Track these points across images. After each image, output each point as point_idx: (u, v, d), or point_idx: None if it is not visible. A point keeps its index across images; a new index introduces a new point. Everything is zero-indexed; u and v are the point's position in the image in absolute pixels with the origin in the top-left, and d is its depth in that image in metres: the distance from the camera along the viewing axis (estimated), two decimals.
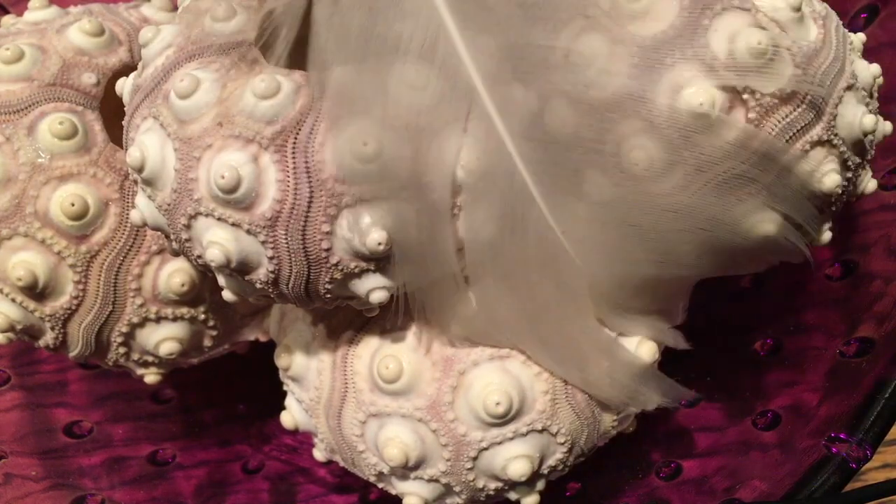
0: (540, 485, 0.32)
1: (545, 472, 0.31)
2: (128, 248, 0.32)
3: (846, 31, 0.30)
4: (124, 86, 0.30)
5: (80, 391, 0.39)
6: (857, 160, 0.30)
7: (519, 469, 0.30)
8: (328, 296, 0.28)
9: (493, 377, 0.29)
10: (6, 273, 0.31)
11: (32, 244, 0.31)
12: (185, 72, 0.27)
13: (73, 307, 0.32)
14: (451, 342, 0.30)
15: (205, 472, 0.39)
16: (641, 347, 0.31)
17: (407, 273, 0.28)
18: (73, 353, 0.34)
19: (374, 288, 0.28)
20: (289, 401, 0.34)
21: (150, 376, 0.35)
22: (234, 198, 0.26)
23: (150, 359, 0.34)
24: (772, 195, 0.28)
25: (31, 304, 0.32)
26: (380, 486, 0.33)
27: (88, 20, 0.34)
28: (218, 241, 0.27)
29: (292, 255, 0.27)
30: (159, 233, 0.31)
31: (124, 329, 0.33)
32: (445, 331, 0.30)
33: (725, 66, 0.27)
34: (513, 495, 0.32)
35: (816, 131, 0.28)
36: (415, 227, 0.27)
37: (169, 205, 0.28)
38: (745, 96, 0.27)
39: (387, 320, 0.31)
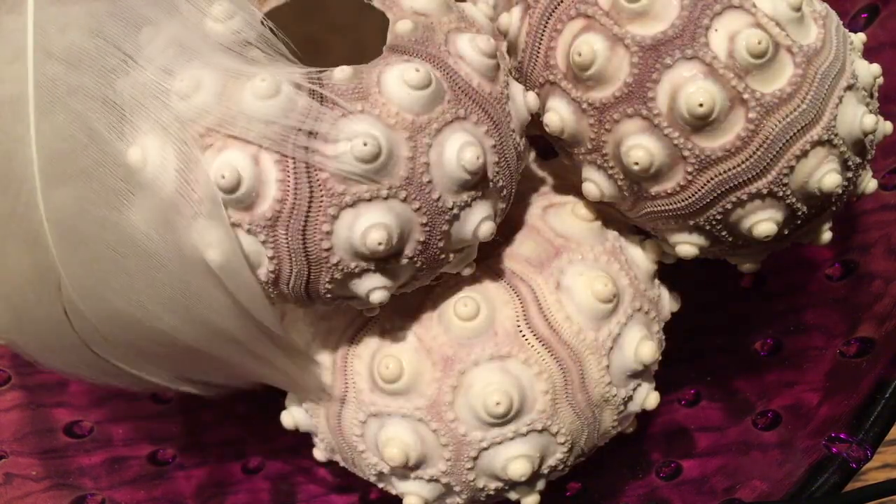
0: (540, 485, 0.32)
1: (545, 472, 0.31)
2: None
3: (846, 30, 0.30)
4: None
5: (80, 391, 0.39)
6: (858, 160, 0.30)
7: (519, 469, 0.30)
8: (328, 296, 0.28)
9: (494, 377, 0.29)
10: None
11: None
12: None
13: None
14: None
15: (205, 472, 0.39)
16: (641, 347, 0.31)
17: None
18: None
19: (374, 288, 0.28)
20: (289, 401, 0.34)
21: None
22: (235, 198, 0.26)
23: None
24: None
25: None
26: (380, 486, 0.33)
27: None
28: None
29: (293, 254, 0.27)
30: None
31: None
32: None
33: (725, 66, 0.27)
34: (513, 495, 0.32)
35: (816, 131, 0.28)
36: None
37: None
38: (745, 96, 0.27)
39: (386, 320, 0.31)
